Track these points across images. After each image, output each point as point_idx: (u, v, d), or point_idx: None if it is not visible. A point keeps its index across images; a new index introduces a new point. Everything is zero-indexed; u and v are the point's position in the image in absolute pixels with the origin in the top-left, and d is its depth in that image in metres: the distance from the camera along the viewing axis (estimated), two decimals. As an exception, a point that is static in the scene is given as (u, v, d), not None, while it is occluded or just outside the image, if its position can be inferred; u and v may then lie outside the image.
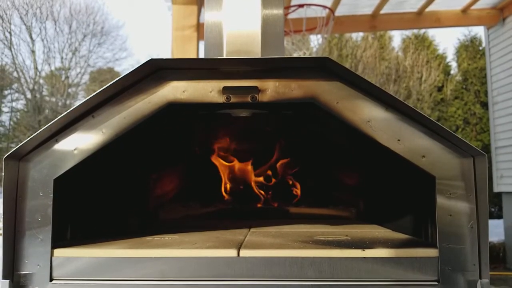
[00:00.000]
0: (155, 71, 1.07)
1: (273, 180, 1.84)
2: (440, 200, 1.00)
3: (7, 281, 1.00)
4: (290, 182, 1.84)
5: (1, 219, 1.05)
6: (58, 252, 1.04)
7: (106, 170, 1.39)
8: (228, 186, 1.84)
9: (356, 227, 1.47)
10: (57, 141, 1.06)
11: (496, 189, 5.19)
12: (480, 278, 0.97)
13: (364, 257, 1.00)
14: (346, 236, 1.23)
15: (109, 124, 1.06)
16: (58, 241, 1.07)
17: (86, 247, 1.07)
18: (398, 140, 1.02)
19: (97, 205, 1.35)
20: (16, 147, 1.03)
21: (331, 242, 1.13)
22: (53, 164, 1.05)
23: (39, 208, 1.04)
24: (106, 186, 1.41)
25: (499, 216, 6.89)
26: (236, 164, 1.82)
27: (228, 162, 1.82)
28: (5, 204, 1.02)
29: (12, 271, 1.02)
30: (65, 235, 1.18)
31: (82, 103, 1.04)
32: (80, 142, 1.06)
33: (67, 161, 1.05)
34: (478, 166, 0.99)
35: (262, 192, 1.84)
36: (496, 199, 6.91)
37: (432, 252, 0.99)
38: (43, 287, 1.02)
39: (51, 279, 1.02)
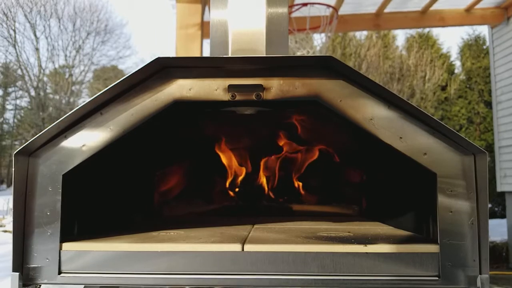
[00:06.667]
0: (161, 69, 1.09)
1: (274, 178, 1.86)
2: (441, 197, 1.01)
3: (17, 273, 1.03)
4: (295, 180, 1.86)
5: (11, 214, 1.07)
6: (67, 246, 1.06)
7: (112, 167, 1.41)
8: (232, 183, 1.86)
9: (358, 224, 1.48)
10: (65, 137, 1.08)
11: (500, 188, 5.19)
12: (480, 273, 0.98)
13: (366, 253, 1.01)
14: (349, 232, 1.25)
15: (117, 121, 1.08)
16: (66, 236, 1.09)
17: (93, 242, 1.09)
18: (400, 137, 1.04)
19: (103, 201, 1.38)
20: (26, 143, 1.06)
21: (334, 238, 1.15)
22: (62, 160, 1.07)
23: (48, 203, 1.06)
24: (112, 182, 1.44)
25: (503, 216, 6.89)
26: (241, 161, 1.84)
27: (232, 159, 1.84)
28: (15, 199, 1.05)
29: (21, 264, 1.04)
30: (72, 230, 1.20)
31: (90, 100, 1.06)
32: (88, 139, 1.08)
33: (76, 157, 1.08)
34: (478, 163, 1.01)
35: (267, 188, 1.86)
36: (500, 198, 6.90)
37: (433, 248, 1.01)
38: (52, 280, 1.04)
39: (59, 272, 1.05)
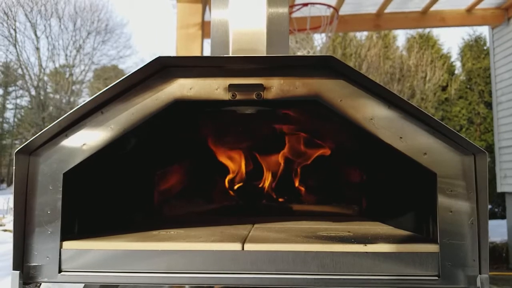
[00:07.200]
0: (162, 69, 1.10)
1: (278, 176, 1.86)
2: (441, 197, 1.01)
3: (18, 272, 1.03)
4: (295, 180, 1.86)
5: (11, 213, 1.07)
6: (67, 244, 1.06)
7: (112, 166, 1.41)
8: (232, 182, 1.86)
9: (358, 223, 1.48)
10: (66, 136, 1.08)
11: (500, 189, 5.19)
12: (480, 273, 0.98)
13: (366, 252, 1.01)
14: (349, 232, 1.25)
15: (118, 120, 1.08)
16: (67, 235, 1.09)
17: (94, 240, 1.09)
18: (401, 137, 1.04)
19: (103, 200, 1.38)
20: (27, 142, 1.06)
21: (334, 237, 1.15)
22: (63, 159, 1.07)
23: (49, 202, 1.06)
24: (112, 181, 1.44)
25: (503, 216, 6.90)
26: (241, 160, 1.84)
27: (232, 158, 1.84)
28: (15, 198, 1.05)
29: (22, 263, 1.04)
30: (73, 228, 1.21)
31: (91, 99, 1.06)
32: (89, 138, 1.08)
33: (76, 156, 1.08)
34: (478, 163, 1.01)
35: (267, 188, 1.86)
36: (500, 199, 6.91)
37: (433, 248, 1.01)
38: (52, 278, 1.05)
39: (60, 271, 1.05)
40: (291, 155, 1.83)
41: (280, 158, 1.85)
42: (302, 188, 1.86)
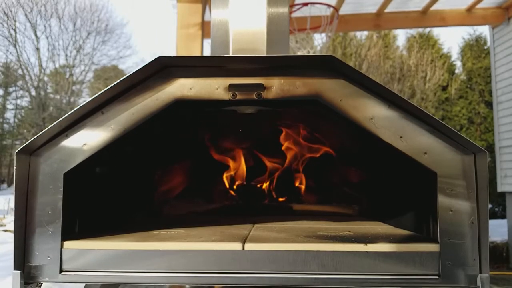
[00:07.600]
0: (162, 69, 1.10)
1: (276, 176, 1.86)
2: (441, 197, 1.01)
3: (19, 272, 1.03)
4: (295, 179, 1.86)
5: (12, 213, 1.07)
6: (68, 244, 1.06)
7: (113, 166, 1.41)
8: (233, 182, 1.86)
9: (358, 223, 1.48)
10: (67, 136, 1.08)
11: (500, 188, 5.19)
12: (480, 272, 0.98)
13: (367, 252, 1.02)
14: (349, 231, 1.25)
15: (118, 120, 1.08)
16: (67, 234, 1.10)
17: (94, 240, 1.09)
18: (401, 137, 1.04)
19: (104, 200, 1.38)
20: (27, 142, 1.06)
21: (334, 237, 1.15)
22: (63, 159, 1.08)
23: (50, 202, 1.06)
24: (113, 181, 1.44)
25: (503, 216, 6.90)
26: (241, 160, 1.85)
27: (233, 158, 1.84)
28: (16, 198, 1.05)
29: (23, 263, 1.05)
30: (73, 228, 1.21)
31: (92, 99, 1.06)
32: (90, 138, 1.08)
33: (77, 156, 1.08)
34: (479, 163, 1.01)
35: (266, 188, 1.86)
36: (500, 198, 6.90)
37: (433, 247, 1.01)
38: (53, 278, 1.05)
39: (61, 271, 1.05)
40: (292, 154, 1.83)
41: (280, 156, 1.85)
42: (302, 188, 1.86)
